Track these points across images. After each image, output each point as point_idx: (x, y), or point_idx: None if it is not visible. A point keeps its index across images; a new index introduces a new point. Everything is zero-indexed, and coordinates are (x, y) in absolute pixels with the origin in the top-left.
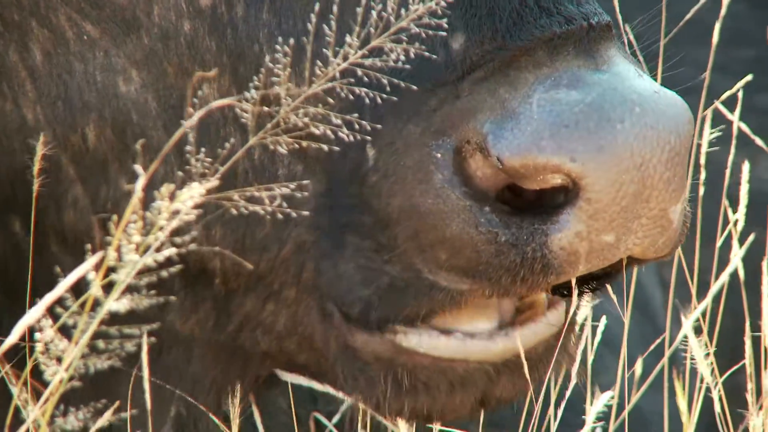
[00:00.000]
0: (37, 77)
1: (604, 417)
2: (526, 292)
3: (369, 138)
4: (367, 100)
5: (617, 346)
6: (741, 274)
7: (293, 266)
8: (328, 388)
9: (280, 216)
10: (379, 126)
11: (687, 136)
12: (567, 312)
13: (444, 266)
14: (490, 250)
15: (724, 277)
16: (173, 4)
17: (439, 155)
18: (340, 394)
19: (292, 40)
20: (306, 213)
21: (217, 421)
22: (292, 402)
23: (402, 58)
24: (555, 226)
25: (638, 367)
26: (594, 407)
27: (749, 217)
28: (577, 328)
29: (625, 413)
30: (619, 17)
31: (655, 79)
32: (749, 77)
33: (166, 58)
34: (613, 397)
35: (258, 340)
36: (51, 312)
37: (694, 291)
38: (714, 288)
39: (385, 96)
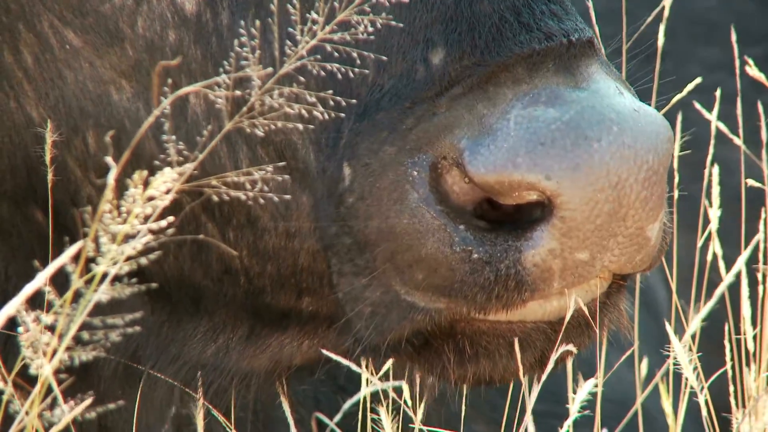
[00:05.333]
0: (32, 79)
1: (589, 405)
2: (501, 309)
3: (345, 156)
4: (339, 76)
5: (622, 344)
6: (723, 273)
7: (316, 273)
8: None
9: (261, 201)
10: (354, 101)
11: (666, 154)
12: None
13: (421, 286)
14: (465, 269)
15: (729, 278)
16: (158, 14)
17: (415, 173)
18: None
19: (258, 22)
20: (287, 197)
21: (219, 415)
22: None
23: (370, 29)
24: (528, 242)
25: (644, 368)
26: (578, 395)
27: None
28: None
29: (634, 413)
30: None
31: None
32: (699, 80)
33: (153, 69)
34: (596, 385)
35: (306, 317)
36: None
37: (674, 310)
38: (718, 291)
39: (357, 70)
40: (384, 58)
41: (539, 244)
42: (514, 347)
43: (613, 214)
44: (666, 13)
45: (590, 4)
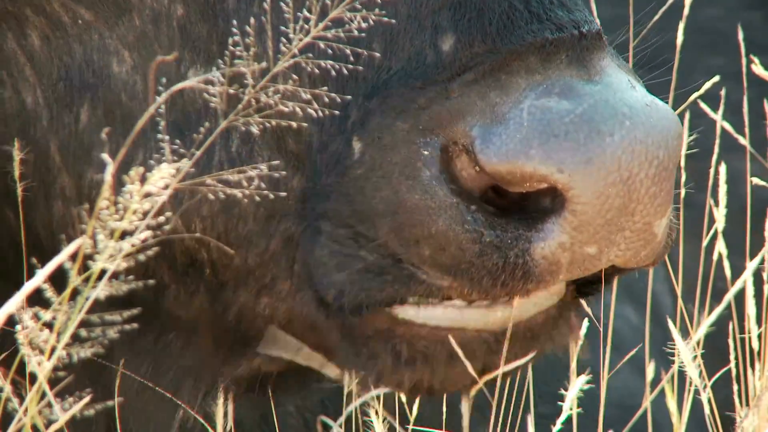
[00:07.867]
0: (36, 62)
1: (591, 409)
2: (505, 296)
3: (355, 132)
4: (333, 73)
5: (627, 349)
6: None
7: (284, 260)
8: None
9: (257, 198)
10: (348, 97)
11: (676, 150)
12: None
13: (427, 262)
14: (474, 250)
15: (739, 284)
16: None
17: (426, 152)
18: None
19: (253, 20)
20: (283, 194)
21: (200, 419)
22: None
23: (363, 26)
24: (539, 234)
25: (650, 372)
26: (570, 392)
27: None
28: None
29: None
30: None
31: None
32: (716, 78)
33: (157, 40)
34: (589, 382)
35: (260, 327)
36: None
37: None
38: (727, 297)
39: (350, 66)
40: (377, 54)
41: (549, 236)
42: (453, 356)
43: (622, 209)
44: (686, 11)
45: (594, 8)
